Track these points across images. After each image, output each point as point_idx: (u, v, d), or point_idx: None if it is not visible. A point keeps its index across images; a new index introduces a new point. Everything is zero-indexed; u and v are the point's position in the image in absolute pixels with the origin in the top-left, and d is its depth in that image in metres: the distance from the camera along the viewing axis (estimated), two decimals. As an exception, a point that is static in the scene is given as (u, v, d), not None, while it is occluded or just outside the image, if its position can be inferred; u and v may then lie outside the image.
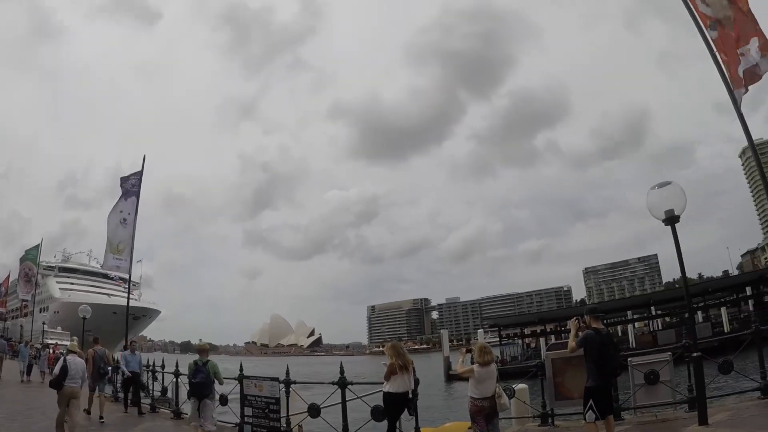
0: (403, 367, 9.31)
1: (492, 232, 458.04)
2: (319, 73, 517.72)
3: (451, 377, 55.24)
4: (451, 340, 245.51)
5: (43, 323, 60.61)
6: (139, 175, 24.40)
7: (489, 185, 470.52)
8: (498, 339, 61.49)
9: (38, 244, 60.49)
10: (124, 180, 24.18)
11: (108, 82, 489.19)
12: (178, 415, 15.15)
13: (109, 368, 17.58)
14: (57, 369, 11.38)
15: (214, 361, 11.29)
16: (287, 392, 11.53)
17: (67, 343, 51.34)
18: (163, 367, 17.45)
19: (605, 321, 10.14)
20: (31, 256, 60.32)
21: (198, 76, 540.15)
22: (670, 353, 11.81)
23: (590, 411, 8.13)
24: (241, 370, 12.58)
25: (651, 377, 11.09)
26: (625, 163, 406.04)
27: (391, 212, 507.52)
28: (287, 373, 11.75)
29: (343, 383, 10.88)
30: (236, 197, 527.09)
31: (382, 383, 9.49)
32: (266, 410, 11.56)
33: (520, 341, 61.09)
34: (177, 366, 15.86)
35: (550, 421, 11.50)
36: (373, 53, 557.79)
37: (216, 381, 11.19)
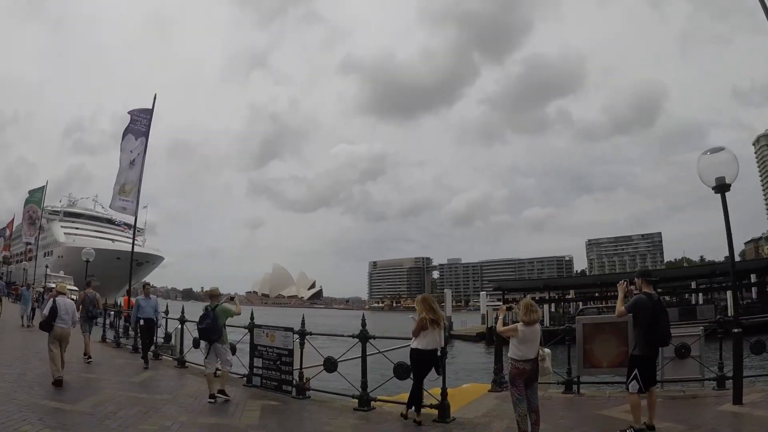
0: (435, 322, 8.61)
1: (497, 198, 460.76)
2: (332, 27, 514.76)
3: (452, 337, 55.23)
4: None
5: (46, 266, 60.10)
6: (149, 114, 23.46)
7: (497, 151, 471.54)
8: (501, 302, 60.90)
9: (42, 187, 59.85)
10: (134, 118, 23.18)
11: (117, 30, 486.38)
12: (182, 363, 14.55)
13: (99, 311, 18.35)
14: (46, 310, 11.33)
15: (224, 305, 10.67)
16: (302, 344, 10.78)
17: (73, 287, 51.42)
18: (167, 313, 16.75)
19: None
20: (35, 198, 59.61)
21: (209, 26, 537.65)
22: (702, 327, 11.35)
23: (634, 381, 7.47)
24: (252, 318, 11.94)
25: (682, 351, 10.53)
26: (634, 140, 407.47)
27: (398, 171, 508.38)
28: (302, 323, 11.03)
29: (364, 336, 10.13)
30: (243, 147, 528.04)
31: (410, 339, 8.81)
32: (277, 362, 10.94)
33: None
34: (183, 312, 15.15)
35: (575, 389, 10.86)
36: (389, 11, 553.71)
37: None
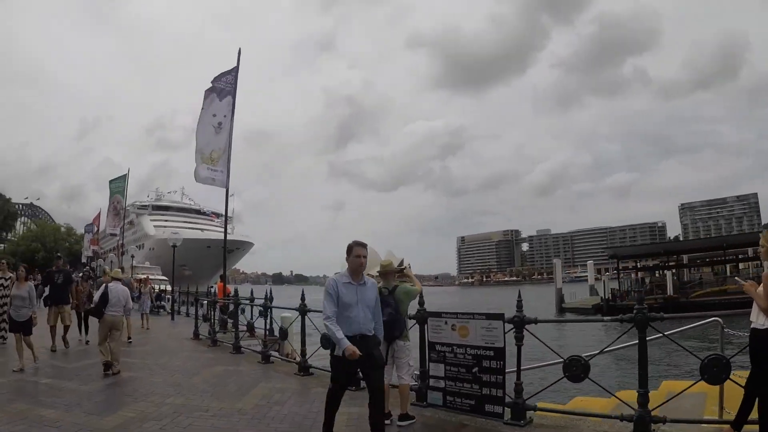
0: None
1: (577, 165, 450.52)
2: (396, 3, 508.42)
3: (564, 310, 52.06)
4: (540, 273, 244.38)
5: (132, 256, 59.39)
6: (234, 72, 19.96)
7: (574, 116, 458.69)
8: (616, 271, 56.25)
9: (124, 175, 58.46)
10: (216, 80, 19.74)
11: (185, 27, 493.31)
12: (266, 358, 12.00)
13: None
14: (97, 297, 11.15)
15: (405, 286, 7.47)
16: (518, 339, 6.73)
17: (161, 277, 50.09)
18: (252, 299, 14.37)
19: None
20: (117, 188, 57.78)
21: (274, 15, 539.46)
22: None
23: None
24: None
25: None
26: (718, 96, 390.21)
27: (476, 144, 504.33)
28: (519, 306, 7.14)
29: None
30: (320, 132, 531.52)
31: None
32: (475, 369, 6.88)
33: (633, 275, 55.91)
34: (303, 298, 11.00)
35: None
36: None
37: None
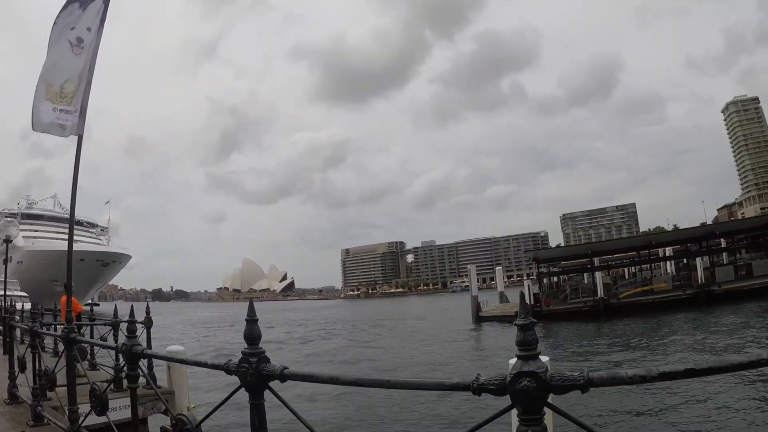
0: None
1: (458, 178, 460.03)
2: (283, 13, 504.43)
3: (482, 319, 47.94)
4: (426, 284, 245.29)
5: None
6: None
7: (454, 131, 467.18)
8: (536, 276, 52.54)
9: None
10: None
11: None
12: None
13: None
14: None
15: None
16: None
17: (19, 293, 42.62)
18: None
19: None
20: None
21: (157, 20, 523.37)
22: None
23: None
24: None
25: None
26: (593, 113, 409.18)
27: (360, 157, 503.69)
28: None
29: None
30: (202, 141, 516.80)
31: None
32: None
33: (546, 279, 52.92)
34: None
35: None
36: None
37: None
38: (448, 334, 41.82)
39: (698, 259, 44.08)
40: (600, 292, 42.24)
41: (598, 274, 44.33)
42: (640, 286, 45.54)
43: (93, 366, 12.22)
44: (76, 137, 11.30)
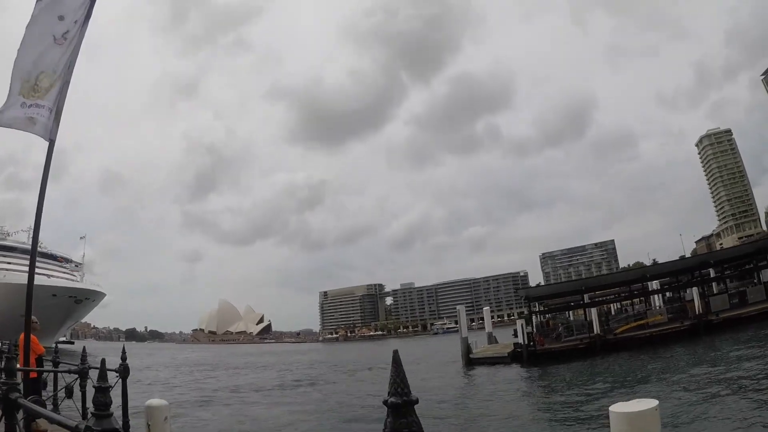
0: None
1: (435, 219, 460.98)
2: (260, 53, 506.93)
3: (472, 361, 45.92)
4: (406, 326, 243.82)
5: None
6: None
7: (430, 172, 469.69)
8: (528, 314, 51.03)
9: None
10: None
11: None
12: None
13: None
14: None
15: None
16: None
17: None
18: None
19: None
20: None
21: (134, 57, 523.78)
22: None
23: None
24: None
25: None
26: (567, 153, 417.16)
27: (337, 198, 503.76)
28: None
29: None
30: (177, 179, 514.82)
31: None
32: None
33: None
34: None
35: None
36: (316, 33, 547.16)
37: None
38: (441, 379, 39.94)
39: (694, 290, 43.07)
40: (596, 328, 41.04)
41: (593, 310, 43.10)
42: (633, 320, 44.31)
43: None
44: (47, 143, 9.67)
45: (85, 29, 10.17)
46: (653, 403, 4.96)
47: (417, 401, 2.78)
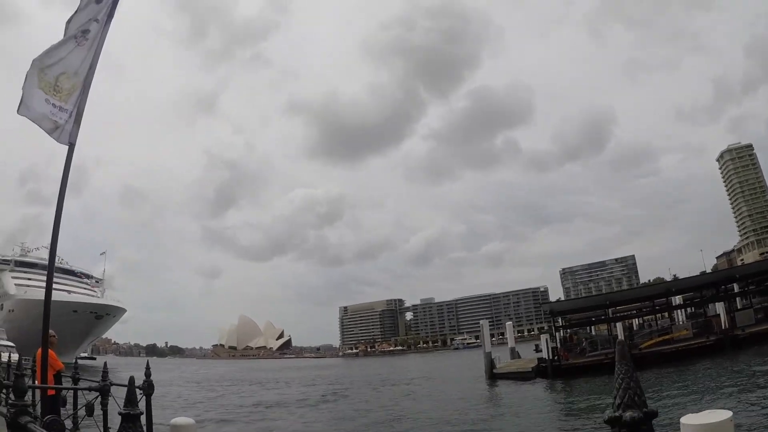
0: None
1: (453, 235, 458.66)
2: (279, 69, 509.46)
3: (495, 376, 45.75)
4: (426, 342, 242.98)
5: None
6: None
7: (448, 187, 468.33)
8: (554, 329, 50.02)
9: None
10: None
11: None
12: None
13: None
14: None
15: None
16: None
17: (6, 343, 40.73)
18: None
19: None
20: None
21: (155, 71, 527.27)
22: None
23: None
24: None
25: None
26: (586, 167, 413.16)
27: (355, 213, 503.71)
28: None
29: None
30: (198, 194, 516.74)
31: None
32: None
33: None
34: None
35: None
36: (334, 49, 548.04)
37: None
38: (465, 392, 39.42)
39: (720, 305, 42.98)
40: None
41: (619, 325, 42.49)
42: (657, 335, 44.05)
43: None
44: (68, 143, 9.24)
45: (107, 30, 9.79)
46: (727, 414, 4.66)
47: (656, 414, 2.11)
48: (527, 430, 22.90)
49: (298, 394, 48.07)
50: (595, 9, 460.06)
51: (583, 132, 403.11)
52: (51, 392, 9.22)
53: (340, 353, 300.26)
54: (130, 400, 2.72)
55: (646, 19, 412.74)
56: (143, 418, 5.98)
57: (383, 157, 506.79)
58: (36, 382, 9.70)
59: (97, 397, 7.89)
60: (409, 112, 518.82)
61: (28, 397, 7.97)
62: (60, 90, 8.96)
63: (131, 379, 3.07)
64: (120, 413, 2.83)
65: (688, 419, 4.26)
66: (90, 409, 8.20)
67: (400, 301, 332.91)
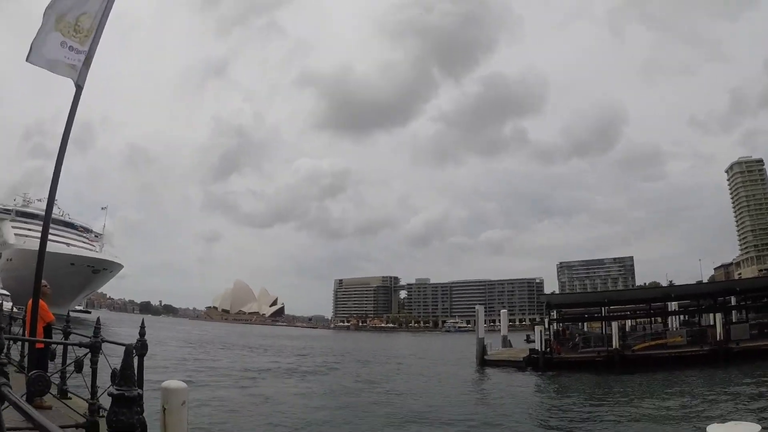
0: None
1: (455, 219, 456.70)
2: (293, 39, 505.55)
3: (486, 363, 45.93)
4: (417, 321, 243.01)
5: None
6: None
7: (453, 171, 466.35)
8: (547, 321, 49.60)
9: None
10: None
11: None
12: None
13: None
14: None
15: None
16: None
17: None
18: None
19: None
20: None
21: (167, 34, 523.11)
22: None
23: None
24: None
25: None
26: (593, 164, 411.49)
27: (360, 189, 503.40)
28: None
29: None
30: (203, 160, 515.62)
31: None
32: None
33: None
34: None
35: None
36: (350, 24, 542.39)
37: None
38: (455, 377, 39.34)
39: (717, 316, 42.32)
40: (615, 342, 40.36)
41: (614, 324, 42.22)
42: (650, 338, 43.88)
43: (64, 393, 8.94)
44: (78, 82, 8.89)
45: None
46: (756, 428, 4.73)
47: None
48: (514, 418, 22.74)
49: (291, 363, 48.11)
50: (617, 6, 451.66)
51: (593, 128, 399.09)
52: (40, 345, 8.85)
53: (332, 325, 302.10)
54: (126, 377, 2.15)
55: (668, 22, 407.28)
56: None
57: (391, 135, 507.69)
58: (25, 333, 9.39)
59: (87, 354, 7.57)
60: (420, 92, 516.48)
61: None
62: (80, 30, 8.65)
63: (128, 350, 2.58)
64: (110, 394, 2.31)
65: (714, 429, 4.11)
66: (79, 366, 7.89)
67: (396, 278, 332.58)
